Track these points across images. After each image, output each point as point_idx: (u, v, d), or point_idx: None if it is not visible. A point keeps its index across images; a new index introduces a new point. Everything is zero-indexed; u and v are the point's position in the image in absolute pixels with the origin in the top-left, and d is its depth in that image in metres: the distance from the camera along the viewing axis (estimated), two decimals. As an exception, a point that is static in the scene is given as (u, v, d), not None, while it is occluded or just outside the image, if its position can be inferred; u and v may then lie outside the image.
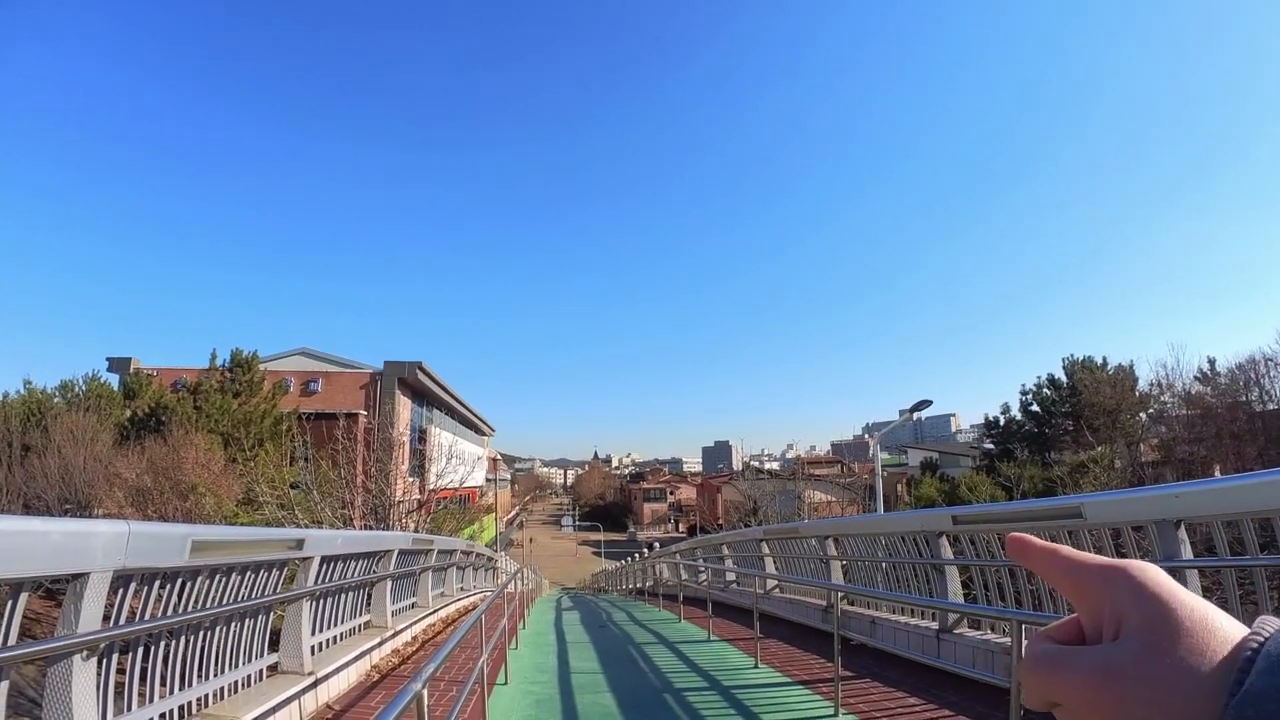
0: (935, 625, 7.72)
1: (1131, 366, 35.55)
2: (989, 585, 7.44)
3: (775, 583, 13.16)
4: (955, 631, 7.34)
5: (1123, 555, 5.85)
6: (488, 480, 63.65)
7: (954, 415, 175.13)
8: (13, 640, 3.21)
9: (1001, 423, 40.92)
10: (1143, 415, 34.14)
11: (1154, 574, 0.51)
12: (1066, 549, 0.61)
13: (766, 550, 13.98)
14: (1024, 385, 39.64)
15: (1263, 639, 0.44)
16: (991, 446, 42.03)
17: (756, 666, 8.50)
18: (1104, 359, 36.70)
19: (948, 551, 8.05)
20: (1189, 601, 0.48)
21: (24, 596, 3.27)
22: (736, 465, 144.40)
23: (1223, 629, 0.46)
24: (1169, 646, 0.46)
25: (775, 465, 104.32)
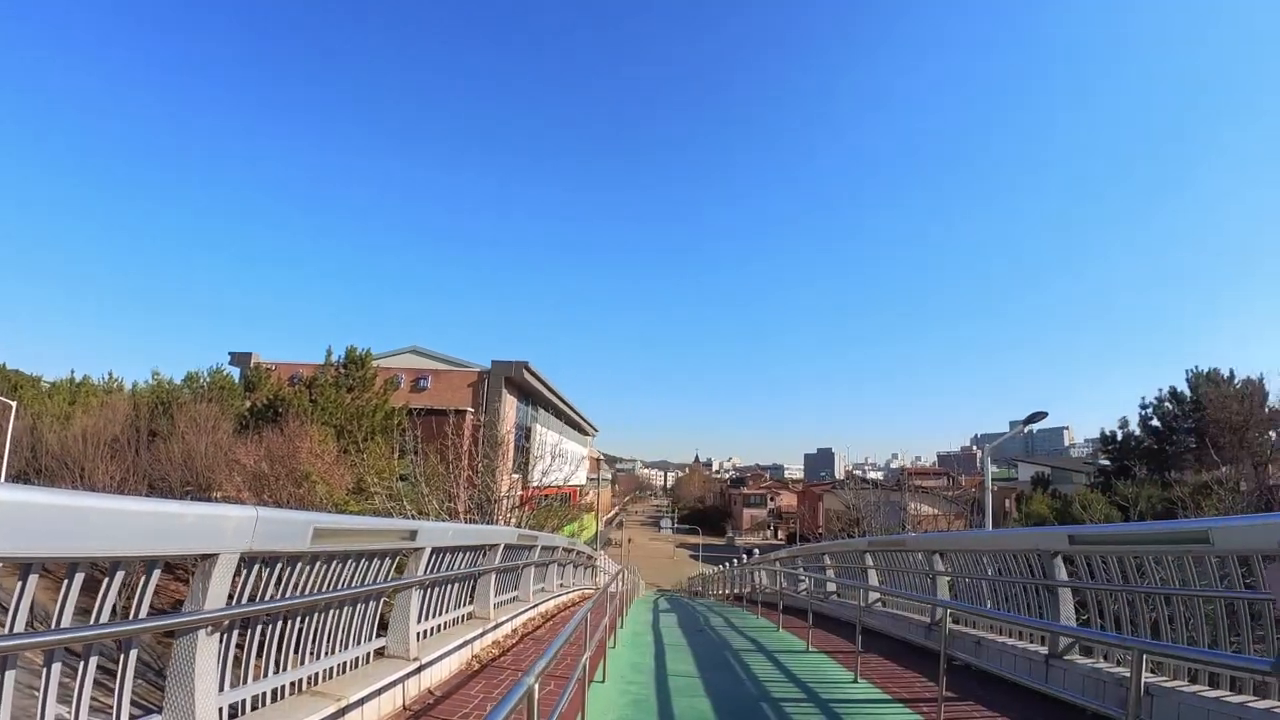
0: (1044, 650, 7.35)
1: (1262, 380, 31.98)
2: (1104, 611, 6.98)
3: (877, 596, 12.86)
4: (1065, 657, 6.95)
5: (1250, 587, 5.38)
6: (589, 480, 64.52)
7: (1067, 429, 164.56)
8: (143, 613, 3.42)
9: (1119, 438, 37.95)
10: (1272, 434, 31.01)
11: None
12: None
13: (870, 562, 13.65)
14: (1144, 398, 36.47)
15: None
16: (1107, 463, 39.13)
17: (856, 681, 8.19)
18: (1231, 371, 33.34)
19: (1062, 573, 7.61)
20: None
21: (156, 573, 3.50)
22: (839, 473, 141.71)
23: None
24: None
25: (879, 475, 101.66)
